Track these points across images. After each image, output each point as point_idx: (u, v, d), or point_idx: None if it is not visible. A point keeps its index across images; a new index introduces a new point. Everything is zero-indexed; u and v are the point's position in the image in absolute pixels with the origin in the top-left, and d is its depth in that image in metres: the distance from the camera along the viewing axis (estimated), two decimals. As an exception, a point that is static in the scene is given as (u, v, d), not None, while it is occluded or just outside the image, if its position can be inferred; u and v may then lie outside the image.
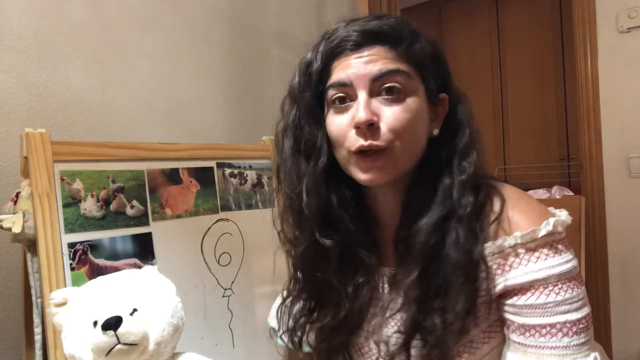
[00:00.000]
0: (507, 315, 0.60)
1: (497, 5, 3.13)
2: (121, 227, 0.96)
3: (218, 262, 1.13)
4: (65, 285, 0.85)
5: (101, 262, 0.92)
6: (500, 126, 3.13)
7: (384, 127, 0.59)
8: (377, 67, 0.59)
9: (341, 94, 0.61)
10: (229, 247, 1.16)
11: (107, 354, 0.68)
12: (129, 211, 0.99)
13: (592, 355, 0.55)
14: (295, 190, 0.65)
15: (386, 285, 0.67)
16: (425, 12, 3.34)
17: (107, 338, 0.68)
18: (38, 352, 0.89)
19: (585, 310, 0.57)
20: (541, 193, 2.32)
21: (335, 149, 0.63)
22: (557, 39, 2.89)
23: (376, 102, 0.59)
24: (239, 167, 1.23)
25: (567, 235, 0.60)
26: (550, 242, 0.57)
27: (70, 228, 0.89)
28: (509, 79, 3.10)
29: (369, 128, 0.58)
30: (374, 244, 0.68)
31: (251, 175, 1.26)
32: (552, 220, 0.58)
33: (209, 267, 1.11)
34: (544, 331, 0.56)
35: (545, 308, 0.56)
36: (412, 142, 0.61)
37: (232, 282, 1.15)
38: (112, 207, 0.96)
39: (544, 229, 0.57)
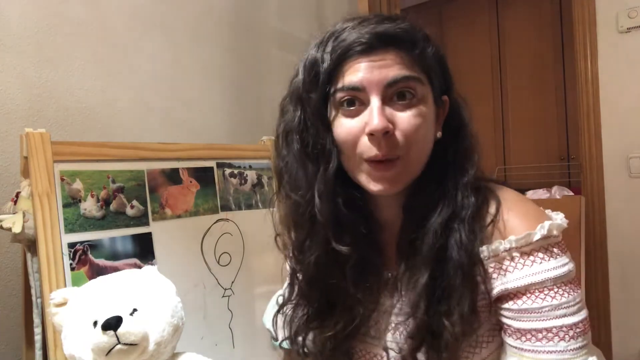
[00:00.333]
0: (504, 320, 0.59)
1: (497, 5, 3.13)
2: (121, 227, 0.96)
3: (218, 262, 1.13)
4: (65, 285, 0.85)
5: (101, 262, 0.92)
6: (500, 126, 3.13)
7: (398, 134, 0.57)
8: (392, 73, 0.56)
9: (350, 97, 0.58)
10: (229, 247, 1.16)
11: (107, 354, 0.68)
12: (129, 211, 0.99)
13: (590, 359, 0.55)
14: (306, 197, 0.61)
15: (388, 289, 0.67)
16: (425, 12, 3.34)
17: (107, 338, 0.68)
18: (38, 352, 0.89)
19: (583, 314, 0.56)
20: (541, 193, 2.32)
21: (343, 153, 0.60)
22: (557, 39, 2.89)
23: (389, 109, 0.57)
24: (239, 167, 1.23)
25: (565, 237, 0.59)
26: (546, 246, 0.57)
27: (70, 228, 0.89)
28: (509, 79, 3.09)
29: (383, 136, 0.56)
30: (379, 247, 0.68)
31: (251, 175, 1.26)
32: (547, 223, 0.57)
33: (209, 267, 1.11)
34: (540, 335, 0.55)
35: (541, 312, 0.55)
36: (424, 148, 0.60)
37: (232, 282, 1.15)
38: (112, 207, 0.96)
39: (539, 233, 0.56)
